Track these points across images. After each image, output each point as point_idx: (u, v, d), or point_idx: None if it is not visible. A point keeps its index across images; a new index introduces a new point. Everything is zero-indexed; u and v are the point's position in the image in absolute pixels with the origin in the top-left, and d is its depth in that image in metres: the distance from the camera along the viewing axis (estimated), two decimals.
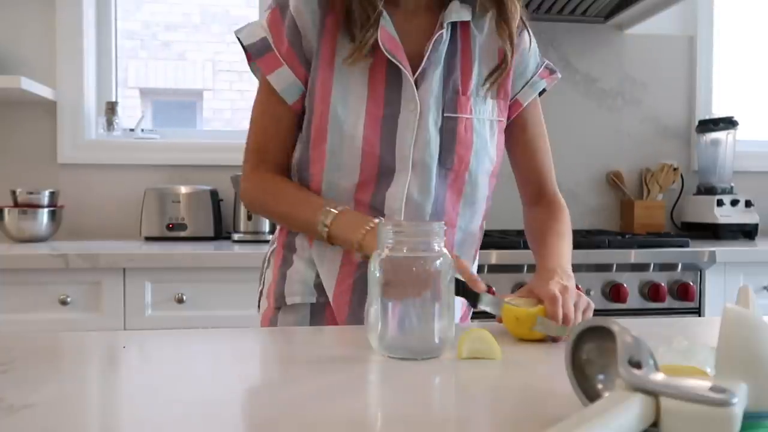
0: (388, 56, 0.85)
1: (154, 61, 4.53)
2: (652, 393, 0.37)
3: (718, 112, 2.34)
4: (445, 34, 0.88)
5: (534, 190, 1.02)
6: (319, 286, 0.92)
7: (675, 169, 2.29)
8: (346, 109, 0.86)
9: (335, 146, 0.86)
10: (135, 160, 2.11)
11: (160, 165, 2.11)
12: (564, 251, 0.91)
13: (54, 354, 0.67)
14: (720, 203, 2.14)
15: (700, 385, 0.36)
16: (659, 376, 0.38)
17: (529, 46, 0.96)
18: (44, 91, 1.96)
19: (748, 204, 2.15)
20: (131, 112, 2.22)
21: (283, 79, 0.88)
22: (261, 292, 1.02)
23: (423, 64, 0.87)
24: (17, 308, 1.55)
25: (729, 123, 2.18)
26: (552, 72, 1.00)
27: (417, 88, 0.87)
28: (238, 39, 0.90)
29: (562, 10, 2.15)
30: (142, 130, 2.19)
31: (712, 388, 0.35)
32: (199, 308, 1.61)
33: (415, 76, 0.87)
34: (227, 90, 4.16)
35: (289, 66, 0.87)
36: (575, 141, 2.26)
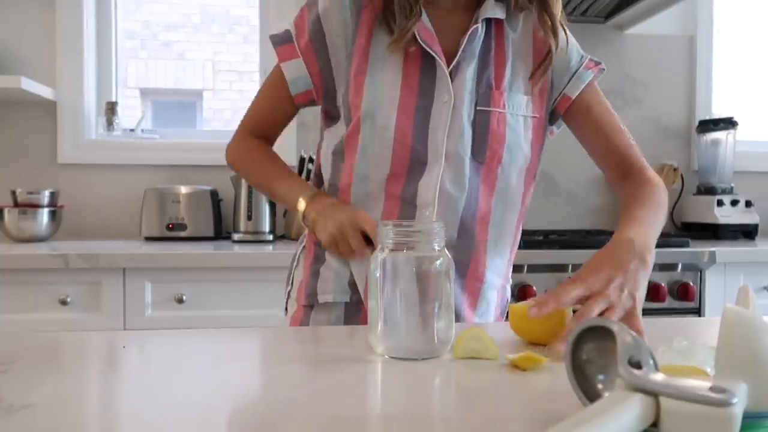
0: (424, 46, 0.87)
1: (154, 61, 4.53)
2: (652, 393, 0.37)
3: (718, 113, 2.34)
4: (480, 29, 0.89)
5: (619, 169, 0.97)
6: (353, 284, 0.92)
7: (675, 170, 2.29)
8: (380, 98, 0.87)
9: (367, 136, 0.88)
10: (135, 160, 2.11)
11: (160, 165, 2.12)
12: (644, 218, 0.82)
13: (54, 354, 0.67)
14: (720, 203, 2.14)
15: (700, 385, 0.36)
16: (659, 376, 0.38)
17: (566, 42, 0.96)
18: (44, 91, 1.96)
19: (748, 204, 2.15)
20: (131, 112, 2.22)
21: (295, 70, 0.91)
22: (289, 294, 1.01)
23: (458, 56, 0.88)
24: (17, 308, 1.55)
25: (729, 123, 2.18)
26: (597, 63, 0.99)
27: (451, 81, 0.88)
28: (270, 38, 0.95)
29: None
30: (142, 130, 2.19)
31: (712, 388, 0.35)
32: (199, 308, 1.61)
33: (450, 68, 0.88)
34: (227, 90, 4.16)
35: (305, 60, 0.90)
36: (575, 141, 2.25)
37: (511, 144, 0.90)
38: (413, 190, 0.88)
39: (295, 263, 1.01)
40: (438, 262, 0.63)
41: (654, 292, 1.70)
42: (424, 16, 0.88)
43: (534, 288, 1.66)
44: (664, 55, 2.34)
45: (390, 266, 0.63)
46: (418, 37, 0.86)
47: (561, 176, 2.23)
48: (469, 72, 0.89)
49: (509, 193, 0.93)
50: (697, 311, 1.77)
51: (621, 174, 0.96)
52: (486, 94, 0.89)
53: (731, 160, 2.21)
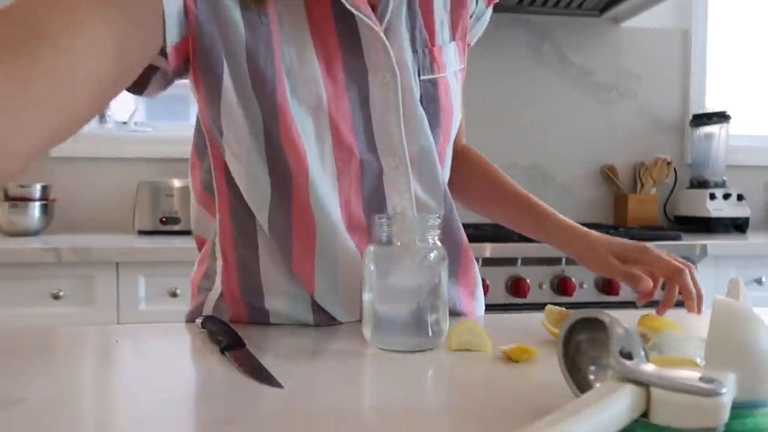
0: (348, 7, 0.61)
1: None
2: (643, 383, 0.37)
3: (711, 107, 2.35)
4: None
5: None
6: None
7: (668, 163, 2.30)
8: (304, 104, 0.63)
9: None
10: (128, 153, 2.10)
11: (153, 158, 2.11)
12: (552, 212, 0.85)
13: (47, 348, 0.67)
14: (712, 197, 2.15)
15: (689, 375, 0.36)
16: (650, 367, 0.38)
17: None
18: None
19: (740, 198, 2.17)
20: (124, 106, 2.20)
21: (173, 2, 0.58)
22: None
23: (388, 14, 0.63)
24: (9, 303, 1.54)
25: (722, 117, 2.19)
26: None
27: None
28: None
29: (557, 4, 2.15)
30: (135, 123, 2.18)
31: (701, 379, 0.36)
32: None
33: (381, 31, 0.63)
34: None
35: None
36: (570, 134, 2.26)
37: (455, 114, 0.72)
38: (376, 210, 0.69)
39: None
40: (432, 254, 0.63)
41: None
42: None
43: (528, 281, 1.67)
44: (659, 49, 2.35)
45: (383, 259, 0.63)
46: None
47: (555, 169, 2.24)
48: (403, 32, 0.65)
49: (444, 180, 0.74)
50: None
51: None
52: (426, 56, 0.67)
53: (724, 153, 2.23)
